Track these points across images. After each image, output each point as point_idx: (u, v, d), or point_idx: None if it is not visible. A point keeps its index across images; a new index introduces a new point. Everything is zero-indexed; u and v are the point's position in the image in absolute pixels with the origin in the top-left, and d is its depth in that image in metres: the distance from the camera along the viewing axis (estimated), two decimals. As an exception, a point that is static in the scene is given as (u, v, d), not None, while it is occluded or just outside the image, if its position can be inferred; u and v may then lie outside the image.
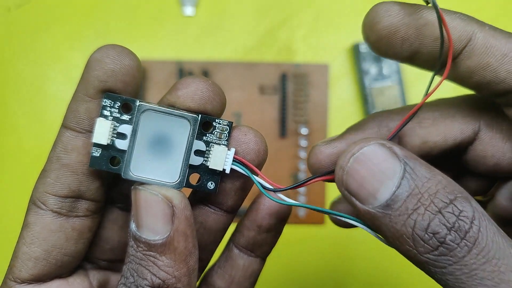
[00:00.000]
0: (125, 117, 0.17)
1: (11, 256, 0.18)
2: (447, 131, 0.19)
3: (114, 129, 0.17)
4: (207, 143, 0.18)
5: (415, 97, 0.43)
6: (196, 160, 0.18)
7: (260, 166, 0.19)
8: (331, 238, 0.43)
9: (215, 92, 0.18)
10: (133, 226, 0.16)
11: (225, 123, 0.18)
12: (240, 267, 0.22)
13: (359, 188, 0.14)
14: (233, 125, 0.19)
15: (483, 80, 0.16)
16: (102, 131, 0.17)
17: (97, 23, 0.44)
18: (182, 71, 0.43)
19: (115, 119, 0.17)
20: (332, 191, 0.43)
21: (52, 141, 0.18)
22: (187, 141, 0.18)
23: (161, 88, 0.43)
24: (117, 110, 0.17)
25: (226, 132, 0.18)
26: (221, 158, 0.18)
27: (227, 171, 0.18)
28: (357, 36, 0.43)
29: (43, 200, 0.18)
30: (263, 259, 0.22)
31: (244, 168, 0.18)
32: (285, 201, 0.18)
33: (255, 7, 0.44)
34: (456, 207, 0.13)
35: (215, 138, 0.18)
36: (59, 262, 0.18)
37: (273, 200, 0.18)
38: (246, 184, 0.20)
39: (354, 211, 0.15)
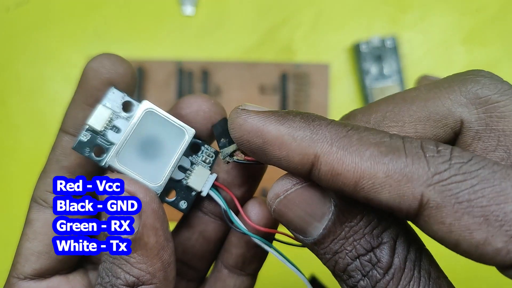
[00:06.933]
0: (124, 114, 0.18)
1: (14, 254, 0.19)
2: None
3: (110, 120, 0.18)
4: (191, 163, 0.19)
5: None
6: (178, 175, 0.19)
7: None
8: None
9: (217, 112, 0.19)
10: None
11: (212, 151, 0.19)
12: (231, 287, 0.21)
13: (289, 225, 0.15)
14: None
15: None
16: (100, 117, 0.17)
17: (96, 23, 0.43)
18: (182, 71, 0.43)
19: (115, 112, 0.18)
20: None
21: (51, 141, 0.18)
22: (180, 150, 0.18)
23: (161, 87, 0.42)
24: (119, 105, 0.18)
25: (211, 158, 0.19)
26: (202, 179, 0.19)
27: (204, 194, 0.19)
28: (358, 36, 0.43)
29: (44, 198, 0.18)
30: (254, 276, 0.21)
31: (221, 198, 0.19)
32: (240, 228, 0.18)
33: (255, 7, 0.44)
34: (375, 255, 0.14)
35: (200, 160, 0.19)
36: (60, 256, 0.19)
37: (241, 231, 0.18)
38: (247, 193, 0.20)
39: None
